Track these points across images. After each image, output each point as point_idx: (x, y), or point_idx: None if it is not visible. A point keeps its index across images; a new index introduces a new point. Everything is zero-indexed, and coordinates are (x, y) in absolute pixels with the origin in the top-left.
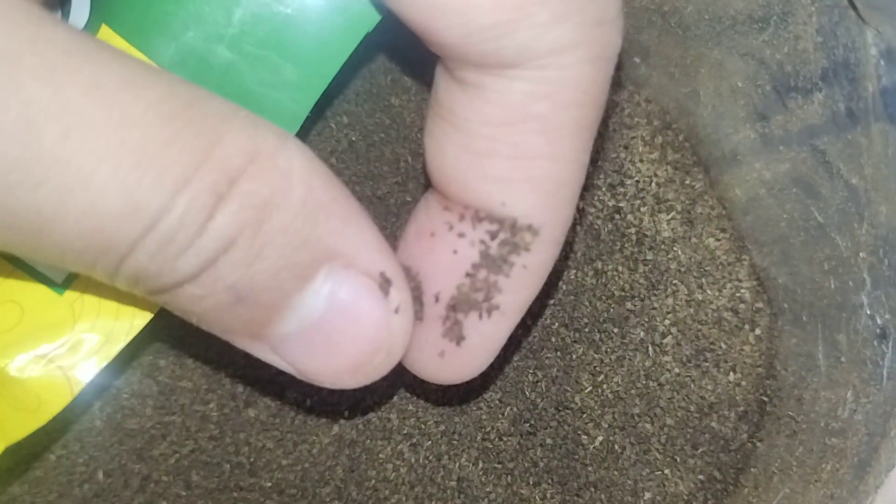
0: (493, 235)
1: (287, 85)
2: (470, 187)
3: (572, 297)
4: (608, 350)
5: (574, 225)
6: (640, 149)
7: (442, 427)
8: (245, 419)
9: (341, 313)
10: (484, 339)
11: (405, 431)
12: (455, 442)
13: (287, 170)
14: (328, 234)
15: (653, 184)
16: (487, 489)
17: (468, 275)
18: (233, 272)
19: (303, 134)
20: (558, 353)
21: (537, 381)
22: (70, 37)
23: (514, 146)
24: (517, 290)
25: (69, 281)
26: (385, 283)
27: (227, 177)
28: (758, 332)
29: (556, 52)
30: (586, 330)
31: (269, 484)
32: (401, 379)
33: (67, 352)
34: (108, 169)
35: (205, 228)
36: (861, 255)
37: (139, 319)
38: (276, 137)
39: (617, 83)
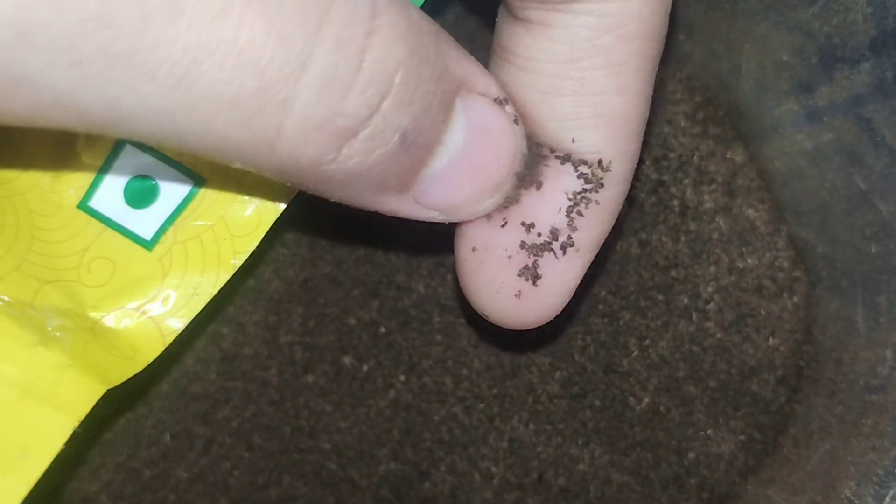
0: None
1: None
2: (539, 126)
3: (618, 267)
4: (654, 316)
5: None
6: (683, 124)
7: (494, 390)
8: (304, 384)
9: (479, 135)
10: (560, 276)
11: (459, 394)
12: (507, 404)
13: (408, 6)
14: (453, 64)
15: (695, 157)
16: (538, 449)
17: None
18: (398, 114)
19: None
20: (606, 320)
21: (586, 346)
22: None
23: (580, 82)
24: (590, 226)
25: (157, 237)
26: (501, 100)
27: (367, 7)
28: (796, 299)
29: None
30: (633, 297)
31: (328, 446)
32: (456, 343)
33: (158, 304)
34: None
35: (362, 64)
36: None
37: (224, 274)
38: None
39: (661, 60)
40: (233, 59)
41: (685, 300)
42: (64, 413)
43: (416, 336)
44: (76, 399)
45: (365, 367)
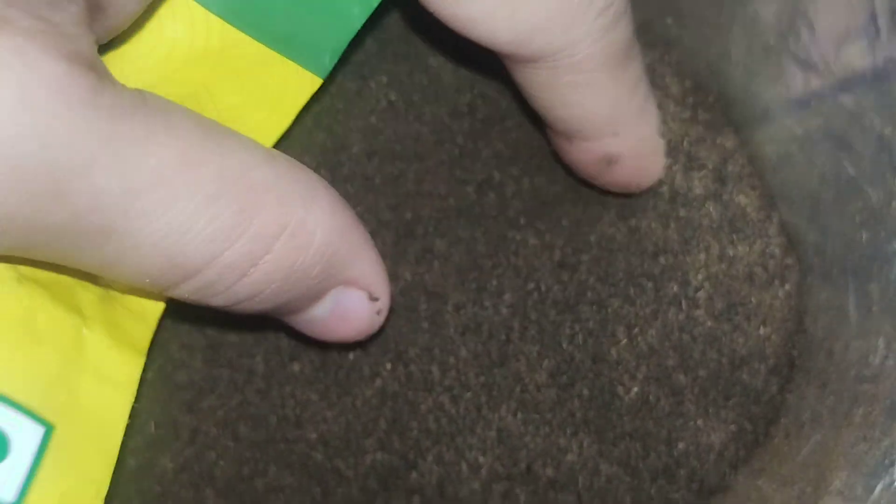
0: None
1: None
2: (555, 123)
3: (607, 254)
4: (643, 304)
5: None
6: (672, 109)
7: (482, 379)
8: (290, 373)
9: (341, 316)
10: (634, 160)
11: (446, 384)
12: (494, 393)
13: (312, 234)
14: (341, 271)
15: (685, 142)
16: (526, 439)
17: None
18: (262, 305)
19: (344, 95)
20: (594, 308)
21: (574, 335)
22: (137, 126)
23: (563, 103)
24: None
25: None
26: (374, 295)
27: (261, 247)
28: (787, 287)
29: (568, 48)
30: (621, 285)
31: (314, 435)
32: (442, 331)
33: None
34: (157, 238)
35: (239, 282)
36: (894, 204)
37: None
38: (304, 206)
39: (649, 44)
40: (137, 271)
41: (675, 288)
42: (120, 390)
43: (403, 324)
44: (125, 375)
45: (351, 356)
